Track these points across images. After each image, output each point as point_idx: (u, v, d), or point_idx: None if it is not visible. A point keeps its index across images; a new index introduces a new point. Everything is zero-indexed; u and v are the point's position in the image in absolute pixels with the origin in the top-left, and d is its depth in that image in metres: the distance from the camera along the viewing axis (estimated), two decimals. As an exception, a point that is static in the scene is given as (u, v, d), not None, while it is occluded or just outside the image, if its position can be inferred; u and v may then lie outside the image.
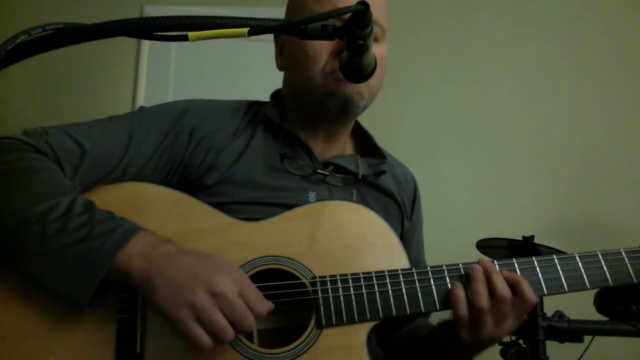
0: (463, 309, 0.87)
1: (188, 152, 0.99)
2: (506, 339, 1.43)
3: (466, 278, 0.90)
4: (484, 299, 0.87)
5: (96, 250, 0.78)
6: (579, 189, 2.11)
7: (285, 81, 1.12)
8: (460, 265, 0.92)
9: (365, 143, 1.16)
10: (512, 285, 0.88)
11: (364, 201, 1.06)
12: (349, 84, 1.01)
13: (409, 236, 1.17)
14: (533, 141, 2.17)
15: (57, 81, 2.28)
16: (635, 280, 0.95)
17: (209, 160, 0.98)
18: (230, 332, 0.77)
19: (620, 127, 2.16)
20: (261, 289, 0.84)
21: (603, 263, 0.94)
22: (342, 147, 1.13)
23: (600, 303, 1.44)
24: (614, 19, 2.23)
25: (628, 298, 1.40)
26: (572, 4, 2.26)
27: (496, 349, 1.45)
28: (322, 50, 0.99)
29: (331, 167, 1.06)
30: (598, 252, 0.95)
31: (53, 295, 0.80)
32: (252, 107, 1.11)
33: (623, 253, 0.96)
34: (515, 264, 0.93)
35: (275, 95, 1.14)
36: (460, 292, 0.88)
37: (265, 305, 0.81)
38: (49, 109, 2.24)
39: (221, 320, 0.76)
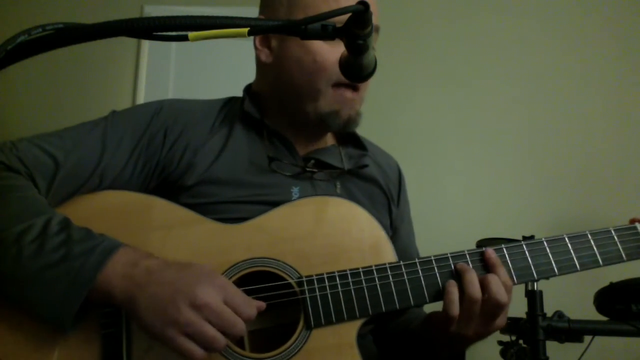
0: (455, 309, 0.86)
1: (164, 153, 0.97)
2: (506, 339, 1.43)
3: (457, 273, 0.89)
4: (477, 291, 0.86)
5: (76, 271, 0.77)
6: (579, 189, 2.10)
7: (267, 76, 1.08)
8: (449, 255, 0.91)
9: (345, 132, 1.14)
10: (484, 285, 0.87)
11: (348, 192, 1.05)
12: (352, 103, 1.01)
13: (398, 223, 1.16)
14: (533, 141, 2.17)
15: (57, 81, 2.28)
16: (625, 258, 0.94)
17: (186, 159, 0.96)
18: (221, 341, 0.76)
19: (620, 127, 2.15)
20: (247, 292, 0.83)
21: (593, 243, 0.93)
22: (323, 139, 1.12)
23: (600, 303, 1.43)
24: (615, 21, 2.22)
25: (628, 298, 1.40)
26: (572, 5, 2.26)
27: (496, 348, 1.45)
28: (329, 57, 0.98)
29: (313, 162, 1.04)
30: (587, 232, 0.94)
31: (35, 317, 0.79)
32: (227, 104, 1.09)
33: (612, 231, 0.95)
34: (504, 250, 0.93)
35: (249, 90, 1.12)
36: (453, 289, 0.87)
37: (252, 308, 0.79)
38: (49, 109, 2.24)
39: (209, 331, 0.75)
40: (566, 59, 2.21)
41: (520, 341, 1.48)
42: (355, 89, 1.02)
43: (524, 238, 1.53)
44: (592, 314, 1.45)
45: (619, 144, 2.14)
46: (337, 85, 1.00)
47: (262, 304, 0.82)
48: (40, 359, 0.80)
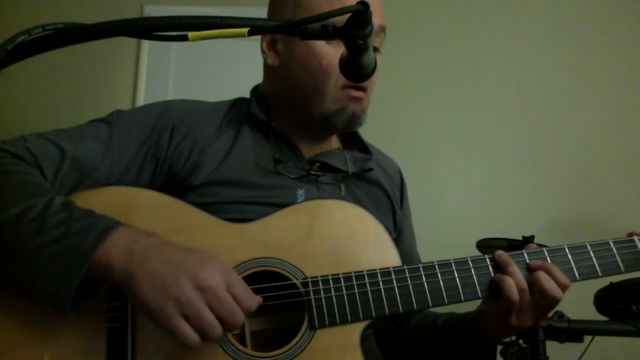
0: (515, 293, 0.87)
1: (170, 151, 0.97)
2: (506, 339, 1.43)
3: (497, 266, 0.91)
4: (523, 281, 0.88)
5: (75, 247, 0.75)
6: (579, 189, 2.11)
7: (273, 79, 1.09)
8: (452, 261, 0.92)
9: (350, 135, 1.14)
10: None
11: (352, 196, 1.06)
12: (358, 101, 1.01)
13: (402, 225, 1.16)
14: (533, 141, 2.17)
15: (57, 81, 2.28)
16: (623, 270, 0.95)
17: (193, 159, 0.97)
18: (217, 329, 0.74)
19: (620, 127, 2.16)
20: (253, 291, 0.83)
21: (592, 254, 0.94)
22: (328, 142, 1.12)
23: (600, 303, 1.44)
24: (614, 20, 2.23)
25: (628, 298, 1.40)
26: (571, 4, 2.26)
27: (496, 348, 1.45)
28: (335, 61, 0.98)
29: (318, 165, 1.05)
30: (587, 244, 0.95)
31: (34, 298, 0.78)
32: (234, 105, 1.09)
33: (611, 243, 0.96)
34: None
35: (256, 91, 1.13)
36: (506, 276, 0.89)
37: (254, 300, 0.78)
38: (49, 109, 2.24)
39: (208, 316, 0.73)
40: (566, 60, 2.22)
41: (520, 341, 1.48)
42: (361, 89, 1.02)
43: (524, 238, 1.54)
44: (592, 314, 1.46)
45: (618, 145, 2.14)
46: (344, 87, 1.00)
47: (260, 299, 0.81)
48: (46, 351, 0.80)
